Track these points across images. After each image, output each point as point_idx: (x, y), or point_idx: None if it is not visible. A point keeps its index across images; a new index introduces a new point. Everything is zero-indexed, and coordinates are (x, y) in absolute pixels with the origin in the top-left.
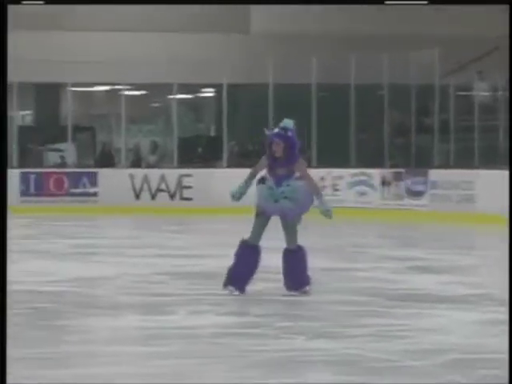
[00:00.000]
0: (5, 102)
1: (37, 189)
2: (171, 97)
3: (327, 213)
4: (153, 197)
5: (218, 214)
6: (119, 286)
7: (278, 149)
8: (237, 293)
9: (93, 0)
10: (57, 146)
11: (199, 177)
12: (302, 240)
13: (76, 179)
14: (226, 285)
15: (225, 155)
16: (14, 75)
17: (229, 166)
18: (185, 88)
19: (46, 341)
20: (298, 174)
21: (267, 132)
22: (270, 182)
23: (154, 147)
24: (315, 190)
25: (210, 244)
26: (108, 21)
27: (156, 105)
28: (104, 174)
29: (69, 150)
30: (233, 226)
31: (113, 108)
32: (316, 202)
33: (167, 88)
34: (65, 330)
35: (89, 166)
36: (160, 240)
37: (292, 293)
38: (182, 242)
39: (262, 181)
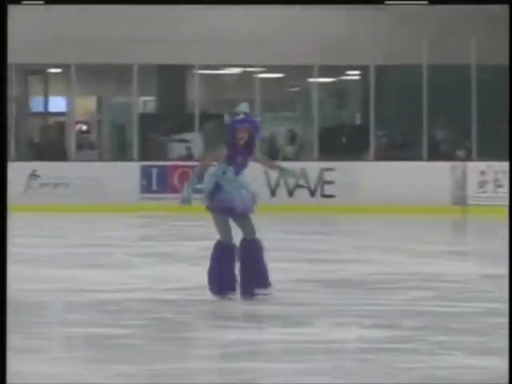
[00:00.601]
0: (5, 100)
1: (159, 184)
2: (311, 80)
3: (293, 172)
4: (290, 194)
5: (364, 213)
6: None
7: (244, 135)
8: (232, 296)
9: (93, 0)
10: (182, 136)
11: (343, 171)
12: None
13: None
14: (215, 292)
15: (372, 146)
16: (134, 57)
17: (376, 159)
18: (327, 70)
19: (169, 356)
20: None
21: (227, 118)
22: (230, 172)
23: (292, 137)
24: (273, 165)
25: (356, 247)
26: None
27: (294, 89)
28: None
29: (195, 140)
30: (381, 227)
31: (245, 93)
32: (279, 175)
33: (307, 70)
34: (192, 344)
35: None
36: (299, 243)
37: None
38: (324, 244)
39: (220, 172)
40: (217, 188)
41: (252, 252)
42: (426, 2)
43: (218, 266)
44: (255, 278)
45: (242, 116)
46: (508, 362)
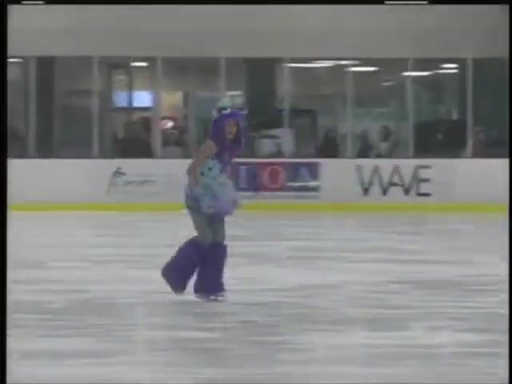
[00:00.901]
0: (5, 99)
1: (248, 182)
2: (406, 74)
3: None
4: (384, 192)
5: (461, 212)
6: (345, 297)
7: (233, 129)
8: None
9: (93, 0)
10: (271, 132)
11: (439, 168)
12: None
13: (294, 171)
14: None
15: (469, 143)
16: (222, 50)
17: (474, 156)
18: (422, 64)
19: (257, 360)
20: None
21: (215, 112)
22: (216, 169)
23: (386, 133)
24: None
25: (452, 248)
26: None
27: (388, 84)
28: (327, 164)
29: (285, 136)
30: (477, 227)
31: (337, 87)
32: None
33: (401, 64)
34: (280, 348)
35: (309, 156)
36: (393, 243)
37: (202, 297)
38: (419, 245)
39: (206, 168)
40: (205, 189)
41: (220, 257)
42: (426, 2)
43: (189, 265)
44: (215, 282)
45: (228, 110)
46: (508, 362)
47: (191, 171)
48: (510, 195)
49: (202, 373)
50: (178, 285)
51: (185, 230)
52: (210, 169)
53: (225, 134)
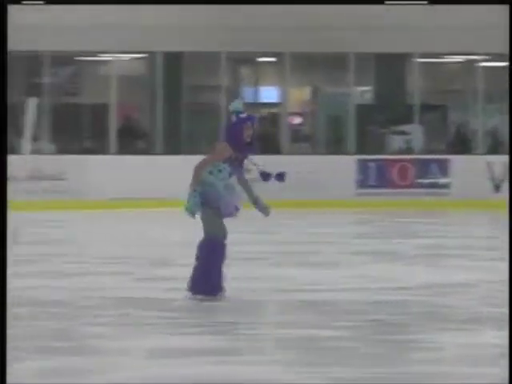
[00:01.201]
0: (5, 99)
1: (377, 179)
2: None
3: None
4: None
5: None
6: (476, 295)
7: (250, 133)
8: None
9: (94, 0)
10: (401, 128)
11: None
12: None
13: (424, 167)
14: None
15: None
16: (351, 45)
17: None
18: None
19: (386, 359)
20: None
21: (235, 116)
22: (226, 173)
23: None
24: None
25: None
26: None
27: None
28: (457, 161)
29: (416, 132)
30: None
31: (468, 83)
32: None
33: None
34: (408, 347)
35: (439, 152)
36: None
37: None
38: None
39: (216, 170)
40: (207, 186)
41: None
42: (425, 2)
43: (208, 265)
44: (218, 281)
45: (244, 114)
46: (508, 362)
47: (197, 169)
48: (510, 195)
49: (330, 371)
50: (213, 290)
51: (315, 227)
52: (219, 171)
53: (243, 137)
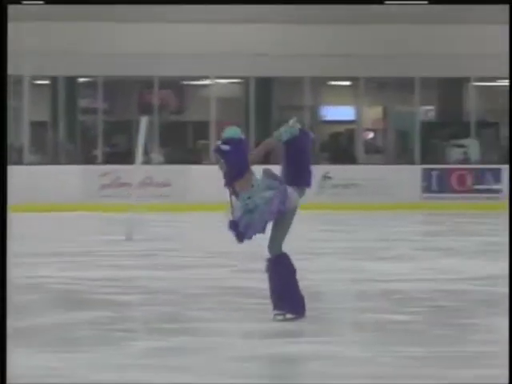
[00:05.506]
0: (5, 101)
1: (439, 185)
2: None
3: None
4: None
5: None
6: None
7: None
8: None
9: (94, 0)
10: (460, 141)
11: None
12: None
13: (479, 175)
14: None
15: None
16: (416, 70)
17: None
18: None
19: (450, 339)
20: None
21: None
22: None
23: None
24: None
25: None
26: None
27: None
28: (508, 170)
29: (472, 145)
30: None
31: None
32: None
33: None
34: (471, 329)
35: (493, 162)
36: None
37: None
38: None
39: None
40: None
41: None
42: (426, 2)
43: (288, 281)
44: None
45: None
46: (508, 362)
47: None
48: (509, 195)
49: (404, 351)
50: (296, 308)
51: (388, 226)
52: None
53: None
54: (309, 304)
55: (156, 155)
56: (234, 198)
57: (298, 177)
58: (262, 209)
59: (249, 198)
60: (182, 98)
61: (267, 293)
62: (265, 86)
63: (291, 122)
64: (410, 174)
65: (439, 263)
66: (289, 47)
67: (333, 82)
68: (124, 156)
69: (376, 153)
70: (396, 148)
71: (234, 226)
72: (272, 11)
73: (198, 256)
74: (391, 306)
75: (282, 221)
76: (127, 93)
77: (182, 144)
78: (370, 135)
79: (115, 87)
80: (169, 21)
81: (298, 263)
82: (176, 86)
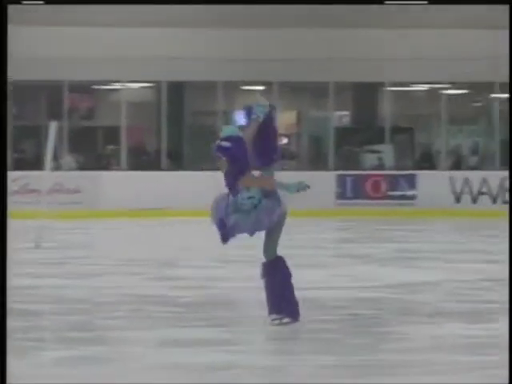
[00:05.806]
0: (5, 102)
1: (353, 191)
2: (493, 96)
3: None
4: (474, 200)
5: None
6: (441, 293)
7: None
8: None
9: (93, 0)
10: (374, 147)
11: None
12: None
13: (394, 182)
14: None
15: None
16: (330, 75)
17: None
18: (507, 87)
19: (365, 348)
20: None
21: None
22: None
23: (476, 148)
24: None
25: None
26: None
27: (477, 104)
28: (423, 176)
29: (387, 151)
30: None
31: (432, 108)
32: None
33: (489, 87)
34: (385, 338)
35: (407, 168)
36: (482, 245)
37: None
38: (507, 246)
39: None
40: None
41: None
42: (426, 2)
43: (284, 285)
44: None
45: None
46: (508, 362)
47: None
48: (509, 196)
49: (316, 359)
50: (293, 312)
51: (302, 233)
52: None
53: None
54: (220, 313)
55: (67, 161)
56: (225, 197)
57: (267, 155)
58: (260, 213)
59: (249, 197)
60: (92, 102)
61: (180, 300)
62: (177, 90)
63: (260, 99)
64: (324, 181)
65: (354, 270)
66: (201, 51)
67: (246, 87)
68: (33, 162)
69: (289, 159)
70: (310, 154)
71: (221, 224)
72: (184, 14)
73: (110, 264)
74: (305, 314)
75: (276, 226)
76: (36, 97)
77: (92, 150)
78: (284, 140)
79: (23, 92)
80: (79, 24)
81: (208, 271)
82: (86, 91)
